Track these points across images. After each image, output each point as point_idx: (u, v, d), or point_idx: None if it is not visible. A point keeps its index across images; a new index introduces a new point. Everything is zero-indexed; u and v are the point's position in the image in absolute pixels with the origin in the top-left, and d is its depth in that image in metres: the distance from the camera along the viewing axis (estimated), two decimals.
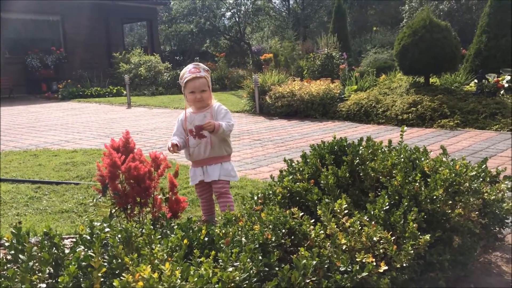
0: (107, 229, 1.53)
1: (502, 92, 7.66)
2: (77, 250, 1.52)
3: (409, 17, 16.63)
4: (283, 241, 1.89)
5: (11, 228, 3.00)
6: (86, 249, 1.54)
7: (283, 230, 1.91)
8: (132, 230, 1.50)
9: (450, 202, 2.11)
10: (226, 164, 2.87)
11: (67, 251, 1.54)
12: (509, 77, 7.99)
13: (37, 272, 1.40)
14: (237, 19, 24.01)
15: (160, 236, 1.55)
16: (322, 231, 1.91)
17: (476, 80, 8.21)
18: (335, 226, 1.93)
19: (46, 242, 1.54)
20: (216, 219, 2.98)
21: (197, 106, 2.84)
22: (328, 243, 1.86)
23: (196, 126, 2.74)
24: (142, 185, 2.24)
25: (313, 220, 2.01)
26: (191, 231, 1.62)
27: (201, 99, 2.79)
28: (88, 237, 1.58)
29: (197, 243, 1.57)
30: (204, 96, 2.79)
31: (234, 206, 2.88)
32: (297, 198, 2.36)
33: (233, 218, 2.05)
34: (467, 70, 9.23)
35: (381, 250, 1.86)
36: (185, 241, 1.44)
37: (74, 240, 1.58)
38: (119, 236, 1.48)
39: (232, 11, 24.33)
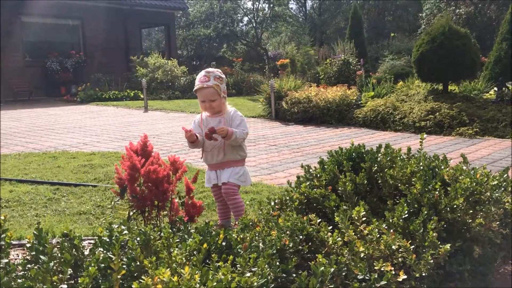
0: (125, 232, 1.54)
1: None
2: (96, 252, 1.53)
3: (427, 24, 16.48)
4: (300, 247, 1.88)
5: (30, 228, 3.05)
6: (105, 251, 1.56)
7: (301, 237, 1.90)
8: (151, 233, 1.51)
9: (471, 211, 2.07)
10: (237, 168, 2.88)
11: (86, 252, 1.55)
12: None
13: (57, 273, 1.42)
14: (254, 24, 24.10)
15: (178, 240, 1.56)
16: (339, 238, 1.90)
17: (495, 88, 8.09)
18: (353, 233, 1.91)
19: (66, 243, 1.56)
20: (232, 223, 2.99)
21: (210, 112, 2.88)
22: (346, 251, 1.84)
23: (209, 128, 2.76)
24: (160, 188, 2.26)
25: (330, 227, 2.00)
26: (209, 235, 1.62)
27: (211, 108, 2.83)
28: (107, 239, 1.60)
29: (215, 248, 1.58)
30: (213, 105, 2.82)
31: (244, 208, 2.86)
32: (314, 204, 2.34)
33: (250, 223, 2.05)
34: (486, 78, 9.10)
35: (400, 259, 1.83)
36: (205, 245, 1.44)
37: (92, 242, 1.59)
38: (138, 239, 1.49)
39: (249, 16, 24.43)
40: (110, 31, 17.82)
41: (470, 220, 2.03)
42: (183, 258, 1.37)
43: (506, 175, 2.40)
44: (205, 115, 2.92)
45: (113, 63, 17.61)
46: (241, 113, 2.97)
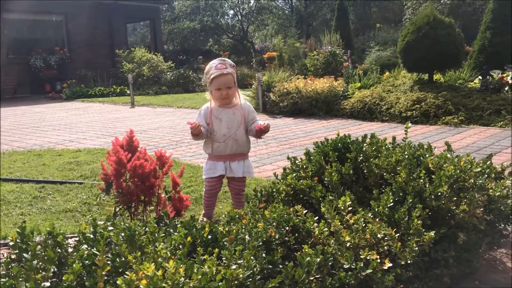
0: (110, 228, 1.52)
1: (506, 88, 7.62)
2: (81, 248, 1.52)
3: (412, 13, 16.57)
4: (286, 238, 1.89)
5: (15, 227, 3.01)
6: (89, 248, 1.54)
7: (287, 228, 1.91)
8: (136, 228, 1.50)
9: (455, 198, 2.09)
10: (247, 161, 2.90)
11: (70, 250, 1.54)
12: None
13: (41, 271, 1.41)
14: (240, 17, 24.00)
15: (163, 234, 1.55)
16: (326, 229, 1.91)
17: (480, 77, 8.17)
18: (339, 223, 1.92)
19: (49, 241, 1.54)
20: (220, 217, 2.98)
21: (223, 103, 2.81)
22: (332, 241, 1.85)
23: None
24: (146, 183, 2.24)
25: (317, 218, 2.01)
26: (194, 229, 1.61)
27: (227, 96, 2.77)
28: (92, 236, 1.58)
29: (201, 241, 1.57)
30: (230, 92, 2.77)
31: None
32: (301, 195, 2.35)
33: (237, 216, 2.05)
34: (471, 67, 9.18)
35: (385, 247, 1.85)
36: (189, 238, 1.43)
37: (77, 239, 1.58)
38: (123, 234, 1.48)
39: (235, 9, 24.33)
40: (95, 26, 17.61)
41: (454, 207, 2.06)
42: (168, 253, 1.36)
43: (489, 162, 2.43)
44: (214, 106, 2.82)
45: (98, 58, 17.42)
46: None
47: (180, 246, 1.52)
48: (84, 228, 1.58)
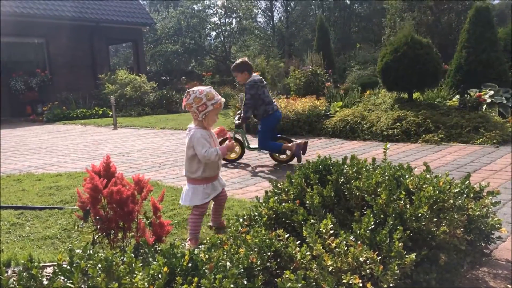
0: (86, 258, 1.49)
1: (484, 106, 7.79)
2: (56, 281, 1.48)
3: (391, 32, 16.93)
4: (268, 264, 1.87)
5: None
6: (65, 280, 1.50)
7: (269, 253, 1.89)
8: (113, 258, 1.47)
9: (435, 219, 2.11)
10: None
11: (46, 282, 1.49)
12: (492, 92, 8.14)
13: None
14: (222, 38, 24.20)
15: (141, 264, 1.52)
16: (308, 253, 1.90)
17: (458, 95, 8.34)
18: (321, 247, 1.91)
19: (24, 273, 1.50)
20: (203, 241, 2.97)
21: (211, 126, 3.13)
22: (315, 265, 1.84)
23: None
24: (125, 209, 2.20)
25: (299, 242, 2.00)
26: (174, 257, 1.58)
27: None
28: (68, 267, 1.54)
29: (180, 270, 1.54)
30: None
31: None
32: (283, 219, 2.34)
33: (218, 241, 2.03)
34: (449, 85, 9.38)
35: (367, 271, 1.84)
36: (165, 268, 1.41)
37: (53, 270, 1.54)
38: (99, 266, 1.44)
39: (217, 31, 24.53)
40: (76, 48, 17.54)
41: (434, 228, 2.07)
42: (145, 283, 1.33)
43: (467, 181, 2.45)
44: (204, 129, 3.08)
45: (80, 80, 17.31)
46: (212, 127, 3.20)
47: (160, 276, 1.49)
48: (59, 259, 1.54)
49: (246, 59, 5.77)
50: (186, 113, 14.82)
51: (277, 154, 5.92)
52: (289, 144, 5.69)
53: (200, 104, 2.98)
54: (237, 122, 5.84)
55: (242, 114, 5.77)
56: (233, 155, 6.05)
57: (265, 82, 5.88)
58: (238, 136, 6.13)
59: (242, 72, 5.66)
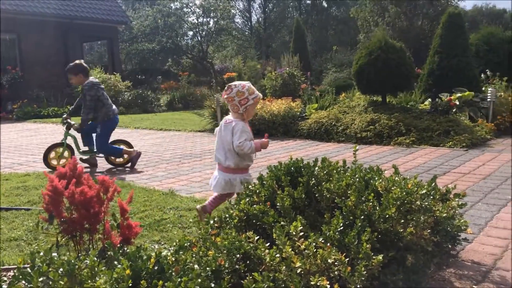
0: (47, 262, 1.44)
1: (454, 110, 7.97)
2: (16, 284, 1.43)
3: (366, 36, 17.19)
4: (237, 266, 1.86)
5: None
6: (26, 284, 1.46)
7: (238, 255, 1.88)
8: (76, 262, 1.43)
9: (403, 221, 2.14)
10: None
11: (5, 286, 1.44)
12: (467, 94, 8.33)
13: None
14: (199, 38, 24.07)
15: (105, 268, 1.49)
16: (277, 255, 1.89)
17: (430, 99, 8.51)
18: (290, 249, 1.91)
19: None
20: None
21: (250, 118, 3.36)
22: (283, 267, 1.84)
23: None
24: (91, 211, 2.15)
25: (268, 244, 1.99)
26: (140, 260, 1.56)
27: None
28: (29, 270, 1.49)
29: (146, 273, 1.52)
30: None
31: None
32: (254, 221, 2.33)
33: (188, 243, 2.00)
34: (421, 89, 9.56)
35: (336, 272, 1.85)
36: (128, 271, 1.38)
37: (13, 274, 1.49)
38: (61, 270, 1.40)
39: (194, 30, 24.38)
40: (49, 45, 17.16)
41: (402, 230, 2.10)
42: (108, 287, 1.30)
43: (434, 183, 2.50)
44: (244, 121, 3.29)
45: (52, 78, 16.92)
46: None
47: (125, 279, 1.45)
48: (20, 262, 1.49)
49: (82, 61, 5.84)
50: (161, 113, 14.67)
51: (113, 158, 5.99)
52: (131, 149, 5.89)
53: (242, 98, 3.16)
54: (76, 125, 5.80)
55: (82, 117, 5.73)
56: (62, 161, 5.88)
57: (102, 86, 5.89)
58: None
59: (76, 74, 5.76)
